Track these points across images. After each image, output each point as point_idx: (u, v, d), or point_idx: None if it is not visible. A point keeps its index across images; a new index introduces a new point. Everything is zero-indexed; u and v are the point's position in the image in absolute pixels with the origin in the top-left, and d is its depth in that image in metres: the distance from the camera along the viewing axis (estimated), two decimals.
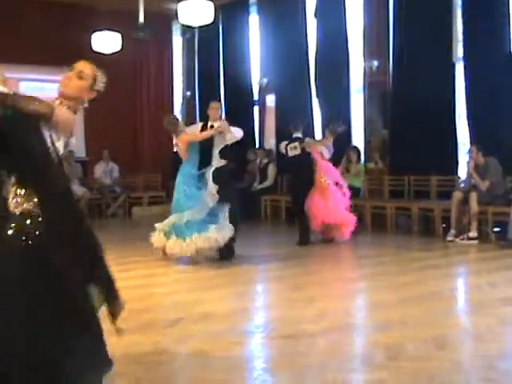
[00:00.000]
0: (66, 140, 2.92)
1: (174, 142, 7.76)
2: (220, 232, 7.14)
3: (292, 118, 9.66)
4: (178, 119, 8.06)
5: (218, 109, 7.71)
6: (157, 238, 7.43)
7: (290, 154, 8.90)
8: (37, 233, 2.74)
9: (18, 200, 2.75)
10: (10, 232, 2.72)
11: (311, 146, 8.88)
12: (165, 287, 6.09)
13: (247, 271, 6.90)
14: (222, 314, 4.85)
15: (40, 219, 2.75)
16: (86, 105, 3.10)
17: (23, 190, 2.75)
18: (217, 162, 7.45)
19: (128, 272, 6.54)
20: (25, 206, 2.75)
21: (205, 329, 4.37)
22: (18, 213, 2.74)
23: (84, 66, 3.09)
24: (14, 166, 2.75)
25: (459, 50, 9.98)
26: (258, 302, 5.76)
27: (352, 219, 8.91)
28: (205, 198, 7.22)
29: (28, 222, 2.73)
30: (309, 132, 10.68)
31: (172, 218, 7.30)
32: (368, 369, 3.51)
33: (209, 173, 7.34)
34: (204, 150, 7.49)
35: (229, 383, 3.29)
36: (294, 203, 9.32)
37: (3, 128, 2.64)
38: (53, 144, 2.77)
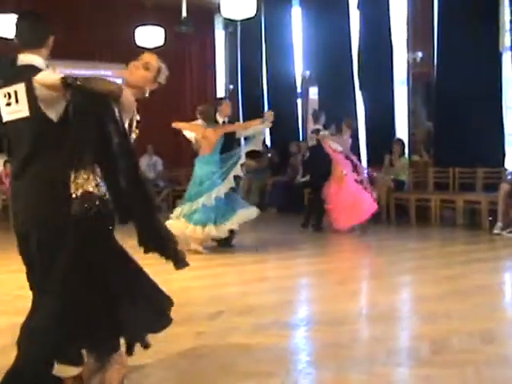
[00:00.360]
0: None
1: (196, 135, 7.74)
2: (218, 228, 7.42)
3: (335, 110, 9.72)
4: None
5: (229, 106, 8.15)
6: (193, 229, 7.46)
7: (309, 144, 9.90)
8: (97, 214, 2.79)
9: (78, 182, 2.80)
10: (71, 214, 2.77)
11: (324, 138, 9.13)
12: (205, 280, 6.00)
13: (289, 265, 6.89)
14: (266, 306, 4.86)
15: (100, 200, 2.81)
16: (146, 94, 3.22)
17: (83, 172, 2.80)
18: (257, 147, 7.94)
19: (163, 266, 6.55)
20: (85, 187, 2.80)
21: (248, 321, 4.39)
22: (78, 195, 2.79)
23: (150, 58, 3.23)
24: (75, 149, 2.79)
25: (506, 39, 9.79)
26: (302, 295, 5.75)
27: (368, 207, 8.90)
28: (229, 173, 7.52)
29: (88, 203, 2.78)
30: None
31: (200, 201, 7.38)
32: (413, 363, 3.49)
33: (243, 150, 7.73)
34: (226, 142, 7.67)
35: (273, 376, 3.30)
36: (312, 191, 9.95)
37: (73, 111, 2.71)
38: (122, 122, 2.81)
